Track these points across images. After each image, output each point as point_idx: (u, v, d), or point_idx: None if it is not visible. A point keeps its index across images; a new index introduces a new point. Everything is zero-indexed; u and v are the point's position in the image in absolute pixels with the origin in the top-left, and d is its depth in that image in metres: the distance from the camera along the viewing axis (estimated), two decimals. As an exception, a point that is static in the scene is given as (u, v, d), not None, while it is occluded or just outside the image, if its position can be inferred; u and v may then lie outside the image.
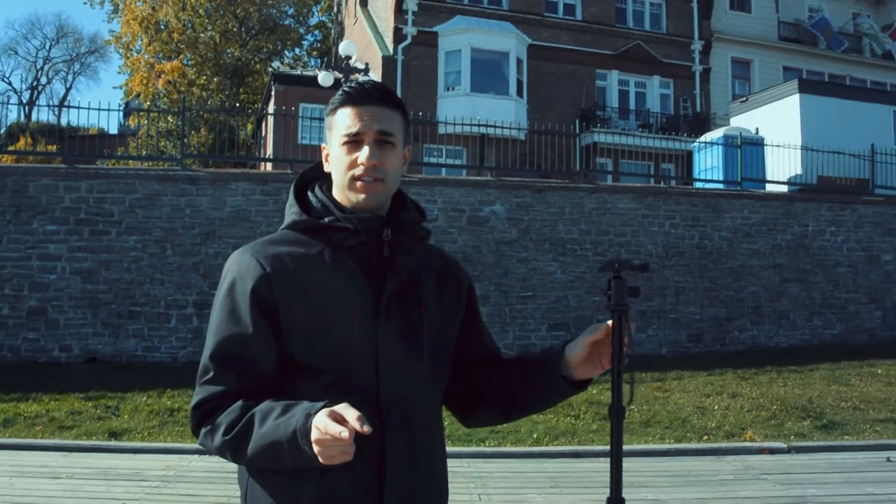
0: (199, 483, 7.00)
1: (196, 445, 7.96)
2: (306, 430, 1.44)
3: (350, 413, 1.40)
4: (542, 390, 1.81)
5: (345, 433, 1.37)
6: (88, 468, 7.38)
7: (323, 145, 1.84)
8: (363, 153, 1.70)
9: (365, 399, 1.62)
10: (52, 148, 17.07)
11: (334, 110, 1.76)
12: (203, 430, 1.62)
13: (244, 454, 1.56)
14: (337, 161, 1.75)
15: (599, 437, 8.60)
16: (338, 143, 1.74)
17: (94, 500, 6.32)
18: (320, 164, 1.86)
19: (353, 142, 1.72)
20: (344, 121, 1.73)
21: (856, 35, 30.76)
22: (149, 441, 8.44)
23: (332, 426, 1.39)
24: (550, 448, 8.43)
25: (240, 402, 1.58)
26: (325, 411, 1.43)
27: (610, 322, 1.68)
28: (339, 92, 1.77)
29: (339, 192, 1.76)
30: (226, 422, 1.57)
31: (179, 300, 12.54)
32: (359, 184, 1.71)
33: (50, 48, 50.57)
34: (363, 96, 1.74)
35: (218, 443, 1.58)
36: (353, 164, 1.71)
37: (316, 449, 1.42)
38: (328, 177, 1.82)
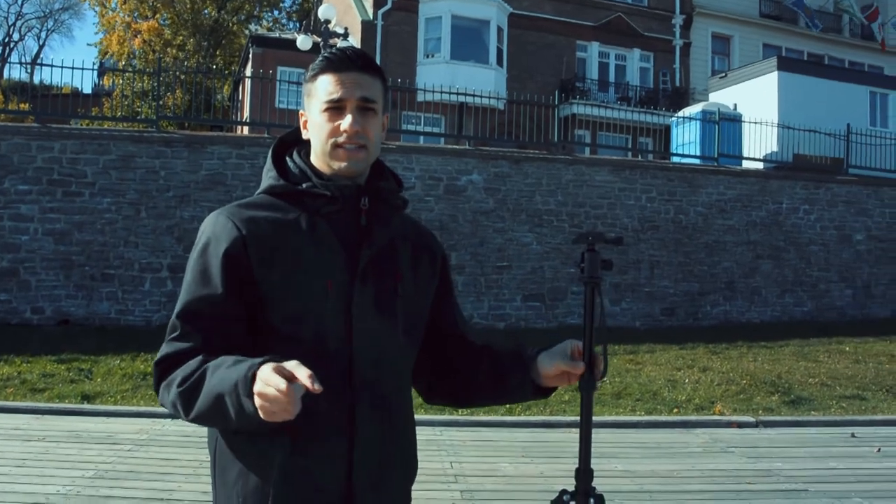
0: (172, 447, 7.01)
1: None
2: (247, 381, 1.41)
3: (301, 371, 1.37)
4: (509, 389, 1.84)
5: (283, 385, 1.34)
6: (61, 431, 7.36)
7: (301, 111, 1.81)
8: (346, 120, 1.68)
9: (338, 366, 1.62)
10: (25, 106, 16.76)
11: (314, 76, 1.73)
12: (162, 385, 1.61)
13: (193, 407, 1.54)
14: (318, 128, 1.72)
15: (571, 407, 8.68)
16: (318, 109, 1.71)
17: (67, 463, 6.31)
18: (299, 130, 1.83)
19: (335, 108, 1.69)
20: (325, 87, 1.70)
21: (836, 14, 30.86)
22: (122, 405, 8.43)
23: (273, 378, 1.35)
24: (522, 418, 8.52)
25: (200, 357, 1.56)
26: (271, 364, 1.40)
27: (582, 367, 1.69)
28: (320, 58, 1.75)
29: (319, 159, 1.74)
30: (182, 374, 1.56)
31: (154, 263, 12.45)
32: (341, 151, 1.69)
33: (22, 4, 49.83)
34: (345, 63, 1.71)
35: (173, 396, 1.56)
36: (336, 132, 1.69)
37: (257, 402, 1.39)
38: (307, 142, 1.80)
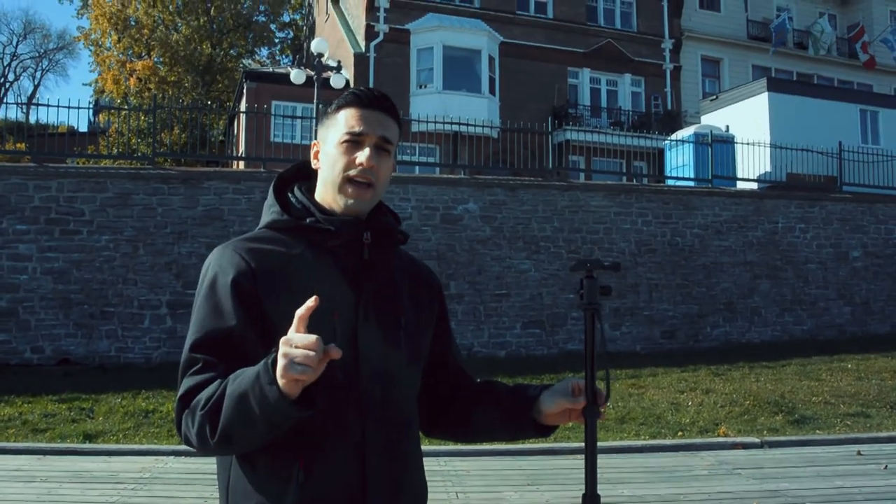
0: (175, 485, 6.96)
1: (172, 447, 7.96)
2: (268, 367, 1.42)
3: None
4: (510, 428, 1.88)
5: (312, 338, 1.37)
6: (63, 471, 7.31)
7: (314, 142, 1.84)
8: (364, 153, 1.72)
9: (347, 399, 1.64)
10: (21, 146, 16.83)
11: (339, 109, 1.78)
12: (185, 414, 1.58)
13: (218, 423, 1.51)
14: (332, 159, 1.75)
15: (575, 434, 8.64)
16: (336, 141, 1.75)
17: (70, 504, 6.28)
18: (298, 166, 1.87)
19: (354, 142, 1.73)
20: (348, 120, 1.74)
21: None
22: (124, 443, 8.37)
23: (298, 336, 1.38)
24: (526, 445, 8.47)
25: (219, 380, 1.55)
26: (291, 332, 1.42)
27: (583, 403, 1.73)
28: (347, 93, 1.79)
29: (327, 192, 1.77)
30: (205, 396, 1.54)
31: (152, 300, 12.45)
32: (350, 187, 1.72)
33: (17, 44, 49.77)
34: (371, 100, 1.76)
35: (198, 419, 1.54)
36: (351, 164, 1.72)
37: (280, 365, 1.38)
38: (307, 178, 1.83)
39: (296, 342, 1.38)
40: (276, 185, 1.84)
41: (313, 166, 1.83)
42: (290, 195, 1.82)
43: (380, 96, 1.78)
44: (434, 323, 1.91)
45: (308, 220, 1.74)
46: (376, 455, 1.66)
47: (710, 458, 8.09)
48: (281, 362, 1.39)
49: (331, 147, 1.76)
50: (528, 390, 1.85)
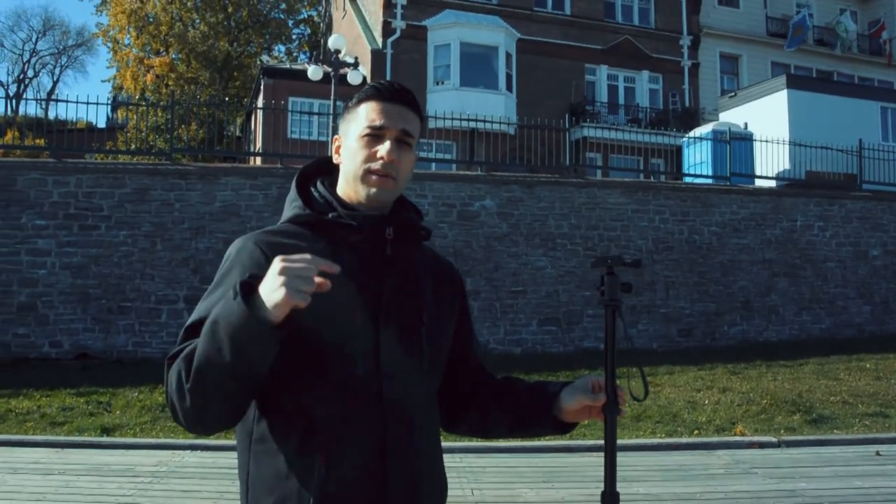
0: (192, 478, 6.99)
1: (189, 441, 8.00)
2: (236, 285, 1.42)
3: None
4: (530, 424, 1.89)
5: (306, 255, 1.43)
6: (80, 464, 7.37)
7: (336, 136, 1.84)
8: (384, 147, 1.71)
9: (368, 394, 1.63)
10: (40, 142, 16.96)
11: (360, 102, 1.77)
12: (169, 373, 1.55)
13: (192, 364, 1.47)
14: (353, 153, 1.75)
15: (591, 431, 8.62)
16: (357, 134, 1.74)
17: (87, 497, 6.31)
18: (320, 161, 1.86)
19: (375, 136, 1.72)
20: (368, 114, 1.74)
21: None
22: (141, 437, 8.42)
23: (294, 255, 1.43)
24: (542, 442, 8.45)
25: None
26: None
27: (603, 399, 1.75)
28: (368, 86, 1.79)
29: (348, 186, 1.76)
30: (188, 348, 1.52)
31: (170, 295, 12.51)
32: (373, 177, 1.72)
33: (36, 41, 50.14)
34: (393, 95, 1.75)
35: (176, 367, 1.51)
36: (372, 157, 1.72)
37: (277, 283, 1.40)
38: (328, 173, 1.83)
39: (293, 258, 1.42)
40: (299, 180, 1.84)
41: (335, 161, 1.82)
42: (312, 190, 1.82)
43: (400, 89, 1.77)
44: (455, 319, 1.90)
45: (330, 215, 1.73)
46: (397, 454, 1.65)
47: (726, 457, 8.05)
48: (280, 279, 1.40)
49: (352, 141, 1.76)
50: (548, 387, 1.85)
